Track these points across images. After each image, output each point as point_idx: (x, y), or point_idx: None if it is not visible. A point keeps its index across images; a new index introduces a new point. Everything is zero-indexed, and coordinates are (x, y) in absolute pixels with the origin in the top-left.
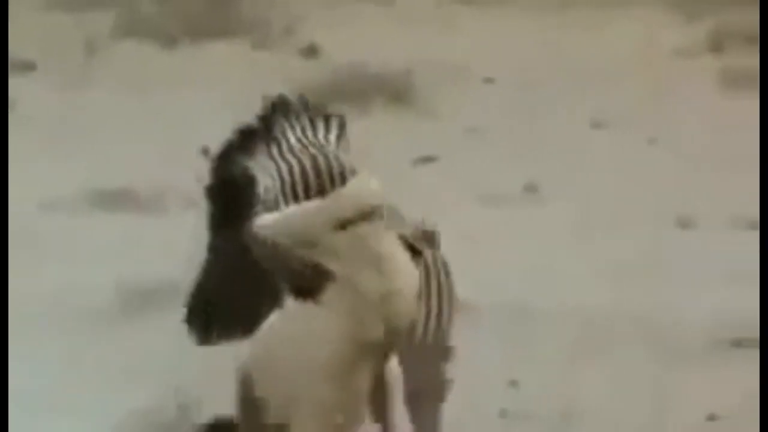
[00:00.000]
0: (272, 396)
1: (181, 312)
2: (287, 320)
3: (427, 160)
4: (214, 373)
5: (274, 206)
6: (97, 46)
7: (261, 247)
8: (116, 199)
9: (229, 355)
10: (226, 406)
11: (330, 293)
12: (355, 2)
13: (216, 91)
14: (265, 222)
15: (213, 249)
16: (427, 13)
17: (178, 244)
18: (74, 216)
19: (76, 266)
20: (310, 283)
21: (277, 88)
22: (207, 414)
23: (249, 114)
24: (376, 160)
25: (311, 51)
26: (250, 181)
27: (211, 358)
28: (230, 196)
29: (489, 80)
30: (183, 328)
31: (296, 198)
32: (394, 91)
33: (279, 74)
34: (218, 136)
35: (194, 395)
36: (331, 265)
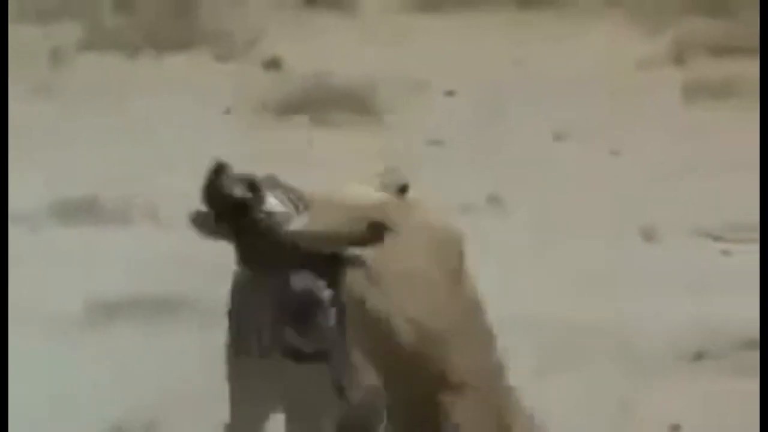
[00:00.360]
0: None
1: (148, 324)
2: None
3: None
4: (179, 389)
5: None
6: (62, 57)
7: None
8: (80, 210)
9: (193, 374)
10: (191, 425)
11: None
12: (318, 15)
13: (179, 102)
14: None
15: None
16: (389, 26)
17: (144, 256)
18: (38, 227)
19: (40, 278)
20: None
21: (239, 99)
22: (169, 428)
23: (211, 124)
24: (339, 172)
25: (274, 63)
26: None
27: (175, 372)
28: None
29: (450, 93)
30: (150, 341)
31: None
32: (356, 104)
33: (241, 86)
34: (181, 147)
35: (159, 411)
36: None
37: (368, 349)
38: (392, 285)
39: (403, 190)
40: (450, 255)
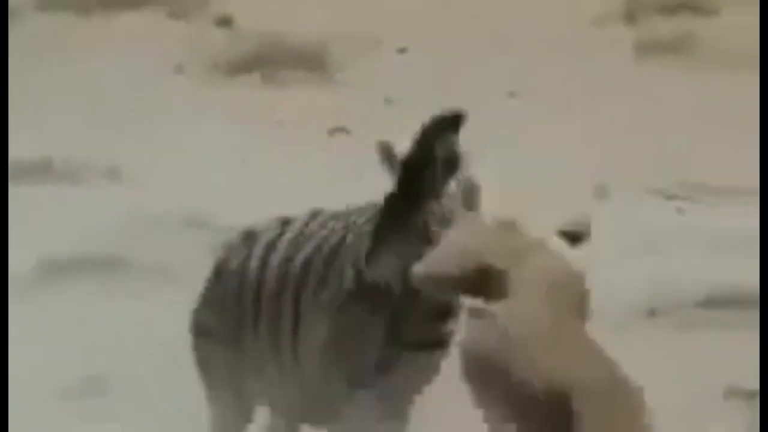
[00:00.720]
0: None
1: (99, 282)
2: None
3: (342, 130)
4: (128, 345)
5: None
6: (16, 17)
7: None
8: (34, 169)
9: (141, 327)
10: (139, 383)
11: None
12: None
13: (131, 59)
14: (419, 270)
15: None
16: None
17: (96, 216)
18: None
19: None
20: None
21: (191, 57)
22: (118, 386)
23: (163, 82)
24: (292, 130)
25: (225, 21)
26: (453, 160)
27: (125, 331)
28: (426, 171)
29: (403, 50)
30: (101, 300)
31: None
32: (308, 62)
33: (193, 44)
34: (133, 105)
35: (108, 368)
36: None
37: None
38: (518, 338)
39: (577, 238)
40: (573, 298)
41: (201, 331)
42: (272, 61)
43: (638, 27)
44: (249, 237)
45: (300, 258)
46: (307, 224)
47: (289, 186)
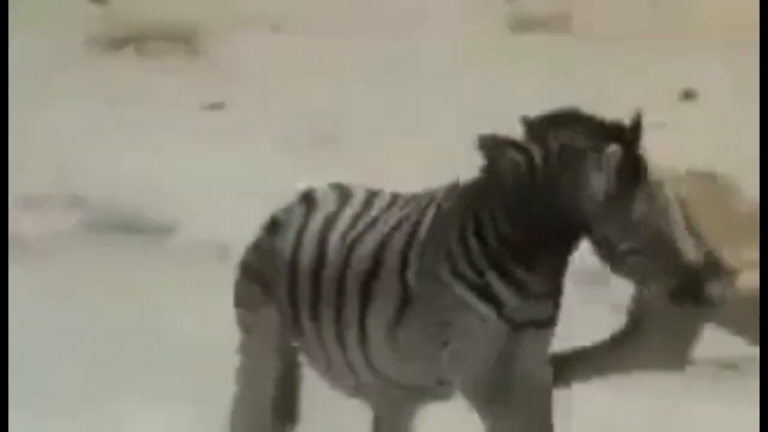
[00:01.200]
0: None
1: None
2: None
3: (216, 106)
4: None
5: None
6: None
7: None
8: None
9: None
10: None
11: None
12: None
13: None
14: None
15: None
16: None
17: None
18: None
19: None
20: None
21: (66, 33)
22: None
23: (38, 57)
24: (165, 106)
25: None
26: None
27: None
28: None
29: (277, 28)
30: None
31: None
32: (182, 38)
33: (68, 20)
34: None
35: None
36: None
37: None
38: None
39: None
40: None
41: (248, 272)
42: (147, 36)
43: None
44: (307, 201)
45: (370, 242)
46: (368, 203)
47: (165, 159)
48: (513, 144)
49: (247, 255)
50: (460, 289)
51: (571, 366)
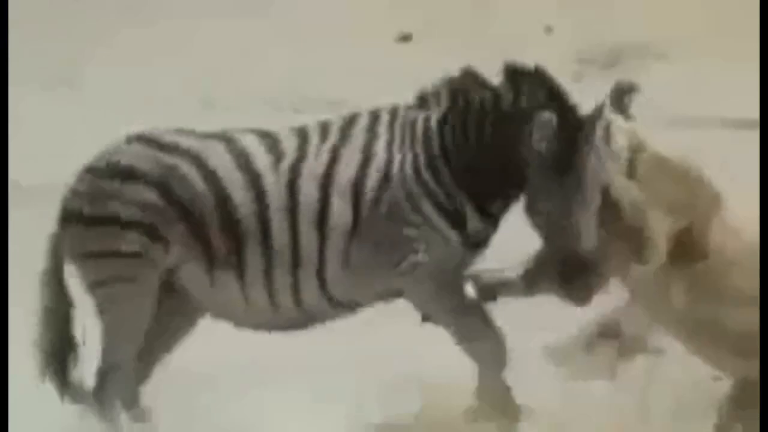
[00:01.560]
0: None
1: None
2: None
3: None
4: None
5: None
6: None
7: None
8: None
9: None
10: None
11: None
12: None
13: None
14: None
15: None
16: None
17: None
18: None
19: None
20: None
21: None
22: None
23: None
24: None
25: None
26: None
27: None
28: None
29: None
30: None
31: None
32: None
33: None
34: None
35: None
36: None
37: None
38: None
39: None
40: None
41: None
42: None
43: None
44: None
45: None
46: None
47: None
48: (486, 84)
49: None
50: (427, 208)
51: (493, 287)
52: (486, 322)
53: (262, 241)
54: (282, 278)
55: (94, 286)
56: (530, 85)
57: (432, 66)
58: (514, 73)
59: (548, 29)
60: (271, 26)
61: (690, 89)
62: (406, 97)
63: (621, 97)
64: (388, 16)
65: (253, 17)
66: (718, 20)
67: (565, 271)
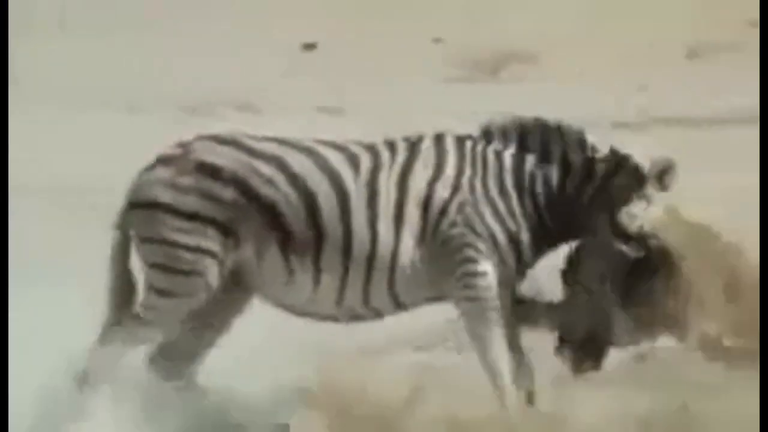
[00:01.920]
0: None
1: None
2: None
3: None
4: None
5: None
6: None
7: None
8: None
9: None
10: None
11: None
12: None
13: None
14: None
15: None
16: None
17: None
18: None
19: None
20: None
21: None
22: None
23: None
24: None
25: None
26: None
27: None
28: None
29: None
30: None
31: None
32: None
33: None
34: None
35: None
36: None
37: None
38: None
39: None
40: None
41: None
42: None
43: None
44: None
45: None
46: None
47: None
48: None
49: None
50: (494, 225)
51: (528, 310)
52: (514, 346)
53: (342, 242)
54: (355, 278)
55: (154, 268)
56: (628, 169)
57: (336, 73)
58: (616, 154)
59: (437, 40)
60: (182, 38)
61: (564, 92)
62: (314, 102)
63: (661, 176)
64: (292, 26)
65: (163, 32)
66: (590, 28)
67: (577, 356)
